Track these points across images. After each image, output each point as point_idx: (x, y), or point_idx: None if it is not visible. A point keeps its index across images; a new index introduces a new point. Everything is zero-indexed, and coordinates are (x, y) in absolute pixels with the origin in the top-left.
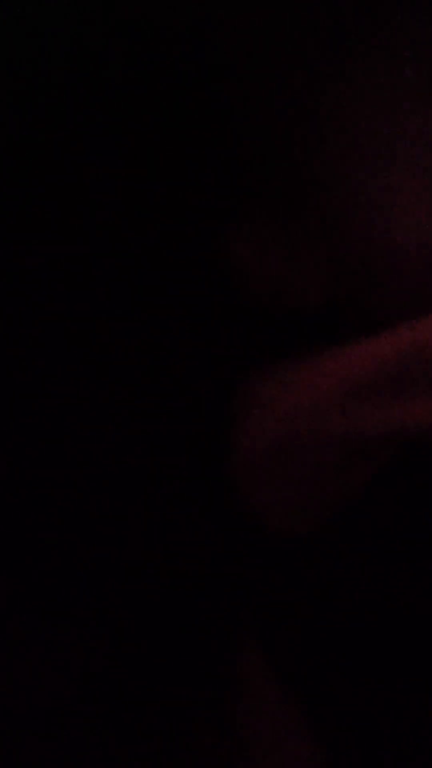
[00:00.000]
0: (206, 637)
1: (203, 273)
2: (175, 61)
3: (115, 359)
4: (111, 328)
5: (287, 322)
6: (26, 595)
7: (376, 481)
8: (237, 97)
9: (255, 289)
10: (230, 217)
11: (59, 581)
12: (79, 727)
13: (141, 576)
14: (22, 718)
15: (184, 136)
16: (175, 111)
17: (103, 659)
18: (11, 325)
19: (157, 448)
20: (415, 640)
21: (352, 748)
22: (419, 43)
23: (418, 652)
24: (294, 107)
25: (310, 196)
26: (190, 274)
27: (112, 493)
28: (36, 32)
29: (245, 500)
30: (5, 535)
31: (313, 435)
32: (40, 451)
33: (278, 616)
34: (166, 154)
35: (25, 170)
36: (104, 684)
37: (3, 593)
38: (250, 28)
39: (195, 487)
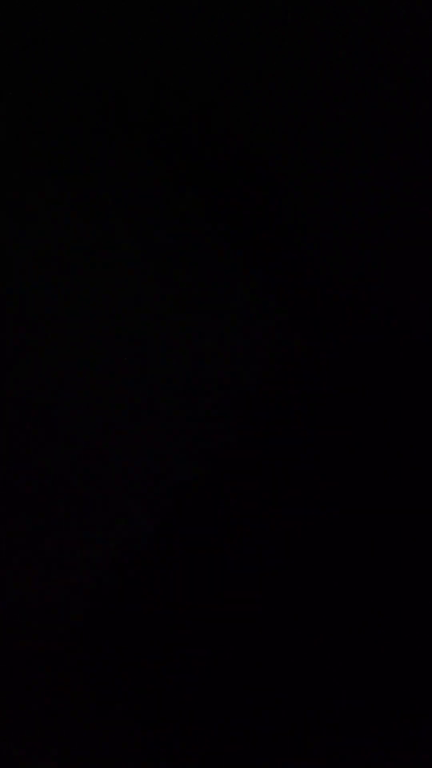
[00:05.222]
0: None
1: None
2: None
3: (114, 357)
4: (111, 326)
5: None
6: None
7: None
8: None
9: None
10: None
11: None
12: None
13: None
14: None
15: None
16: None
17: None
18: (10, 323)
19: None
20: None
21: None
22: None
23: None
24: None
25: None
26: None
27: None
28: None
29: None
30: (6, 532)
31: None
32: (38, 448)
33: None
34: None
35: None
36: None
37: (4, 590)
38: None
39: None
